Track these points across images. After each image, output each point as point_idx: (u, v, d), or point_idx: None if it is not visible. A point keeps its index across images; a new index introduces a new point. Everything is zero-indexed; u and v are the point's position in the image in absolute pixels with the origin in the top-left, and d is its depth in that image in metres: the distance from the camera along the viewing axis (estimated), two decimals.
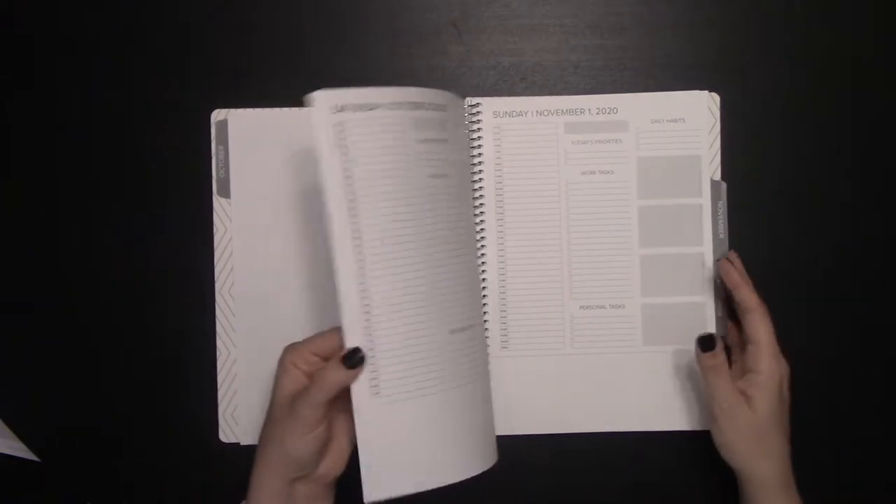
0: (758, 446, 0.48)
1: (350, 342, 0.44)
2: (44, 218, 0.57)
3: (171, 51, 0.57)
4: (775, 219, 0.56)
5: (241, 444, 0.56)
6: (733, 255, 0.52)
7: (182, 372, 0.56)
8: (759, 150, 0.56)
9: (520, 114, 0.55)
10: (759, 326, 0.49)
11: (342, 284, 0.44)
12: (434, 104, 0.48)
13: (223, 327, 0.56)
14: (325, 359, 0.45)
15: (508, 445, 0.53)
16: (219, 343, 0.56)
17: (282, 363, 0.46)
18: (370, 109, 0.45)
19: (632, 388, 0.55)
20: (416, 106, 0.46)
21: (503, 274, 0.55)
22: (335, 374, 0.43)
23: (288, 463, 0.44)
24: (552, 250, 0.55)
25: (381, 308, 0.45)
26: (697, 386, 0.55)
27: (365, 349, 0.44)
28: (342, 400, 0.45)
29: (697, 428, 0.55)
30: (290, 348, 0.46)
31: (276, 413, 0.45)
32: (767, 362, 0.49)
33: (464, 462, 0.47)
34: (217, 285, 0.56)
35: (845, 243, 0.56)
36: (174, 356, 0.56)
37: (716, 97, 0.55)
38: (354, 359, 0.44)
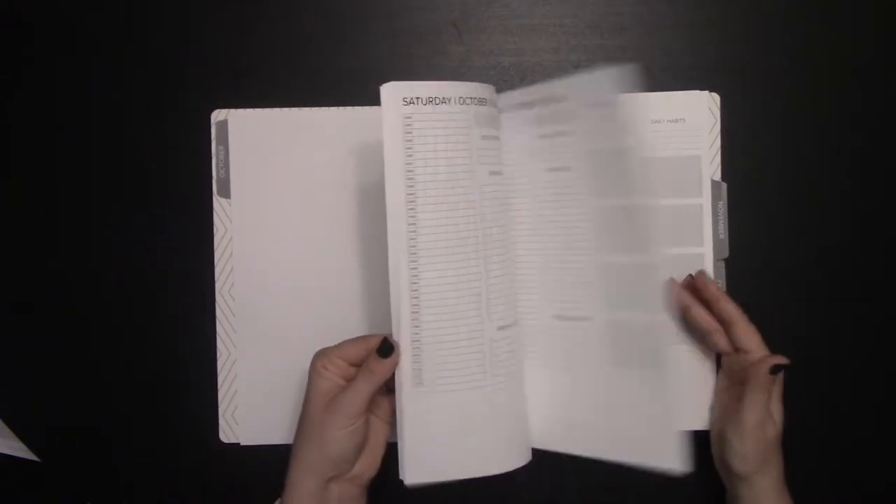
0: (771, 454, 0.49)
1: (396, 331, 0.45)
2: (44, 218, 0.57)
3: (171, 51, 0.57)
4: (775, 219, 0.56)
5: (242, 444, 0.56)
6: (702, 273, 0.53)
7: (182, 372, 0.56)
8: (759, 150, 0.56)
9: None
10: (750, 336, 0.50)
11: (393, 272, 0.45)
12: (493, 100, 0.48)
13: (223, 327, 0.56)
14: (355, 365, 0.46)
15: None
16: (219, 343, 0.56)
17: (314, 368, 0.46)
18: (440, 103, 0.45)
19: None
20: (481, 101, 0.47)
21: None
22: (380, 365, 0.45)
23: (325, 460, 0.45)
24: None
25: (429, 300, 0.45)
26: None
27: (411, 339, 0.45)
28: (377, 401, 0.47)
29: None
30: (321, 354, 0.47)
31: (312, 413, 0.46)
32: (766, 371, 0.49)
33: (501, 456, 0.47)
34: (217, 285, 0.56)
35: (845, 243, 0.56)
36: (174, 356, 0.56)
37: (716, 97, 0.55)
38: (385, 347, 0.45)
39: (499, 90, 0.56)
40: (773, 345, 0.55)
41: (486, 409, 0.47)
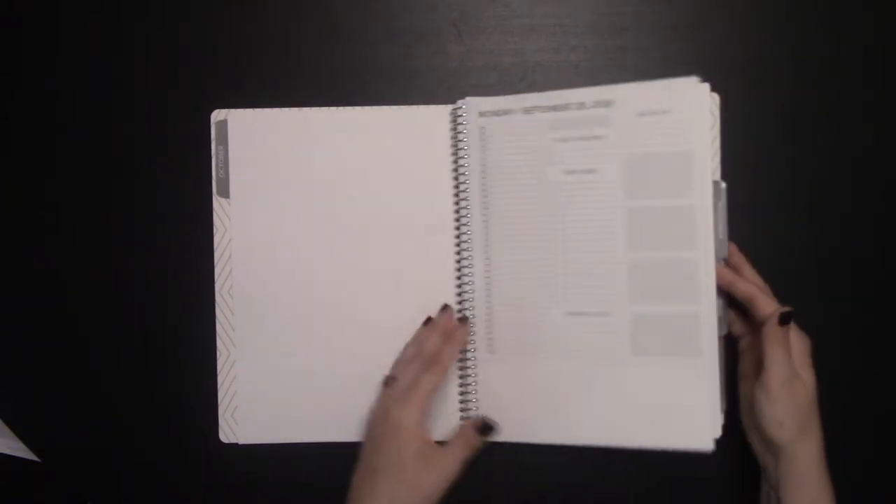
0: (809, 419, 0.48)
1: (469, 308, 0.54)
2: (43, 218, 0.57)
3: (171, 51, 0.57)
4: (775, 219, 0.56)
5: (241, 444, 0.56)
6: (733, 249, 0.53)
7: (182, 372, 0.56)
8: (759, 150, 0.56)
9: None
10: (768, 307, 0.49)
11: (475, 260, 0.54)
12: (580, 104, 0.53)
13: (223, 327, 0.56)
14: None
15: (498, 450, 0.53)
16: (219, 343, 0.56)
17: (404, 427, 0.49)
18: (504, 114, 0.54)
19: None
20: (555, 108, 0.53)
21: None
22: (480, 441, 0.51)
23: (413, 501, 0.49)
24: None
25: (500, 281, 0.54)
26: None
27: (485, 313, 0.54)
28: None
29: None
30: (404, 408, 0.50)
31: (405, 459, 0.49)
32: (793, 337, 0.49)
33: (558, 427, 0.53)
34: (217, 285, 0.56)
35: (845, 243, 0.56)
36: (174, 356, 0.56)
37: (716, 97, 0.55)
38: (487, 428, 0.52)
39: (499, 90, 0.56)
40: None
41: (551, 381, 0.53)
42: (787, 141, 0.56)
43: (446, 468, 0.49)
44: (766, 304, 0.49)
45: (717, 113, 0.55)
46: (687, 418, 0.51)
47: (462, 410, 0.54)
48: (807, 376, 0.49)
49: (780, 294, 0.53)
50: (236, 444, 0.56)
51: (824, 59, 0.56)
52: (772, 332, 0.48)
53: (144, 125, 0.57)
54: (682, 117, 0.51)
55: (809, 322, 0.56)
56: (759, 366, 0.49)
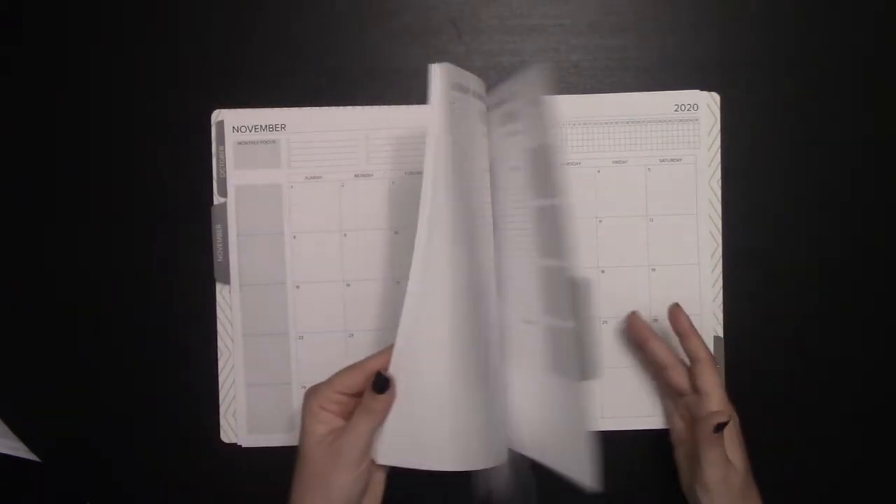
0: (746, 496, 0.47)
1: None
2: (43, 218, 0.57)
3: (171, 51, 0.57)
4: (775, 219, 0.56)
5: (242, 445, 0.56)
6: (676, 307, 0.52)
7: (182, 372, 0.56)
8: (759, 150, 0.56)
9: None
10: (711, 380, 0.49)
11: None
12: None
13: (224, 327, 0.56)
14: (354, 395, 0.44)
15: None
16: (219, 343, 0.56)
17: (308, 409, 0.44)
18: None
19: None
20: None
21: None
22: (378, 402, 0.43)
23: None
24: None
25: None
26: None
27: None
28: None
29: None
30: (314, 392, 0.44)
31: (312, 458, 0.43)
32: (710, 430, 0.47)
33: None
34: (217, 285, 0.56)
35: (846, 243, 0.56)
36: (174, 357, 0.56)
37: (716, 97, 0.55)
38: (380, 383, 0.43)
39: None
40: (773, 345, 0.56)
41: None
42: (786, 141, 0.56)
43: (350, 452, 0.42)
44: (709, 380, 0.48)
45: (717, 113, 0.55)
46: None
47: None
48: (737, 460, 0.48)
49: (780, 294, 0.53)
50: (237, 444, 0.56)
51: (824, 59, 0.56)
52: (708, 436, 0.46)
53: (144, 125, 0.56)
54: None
55: (809, 322, 0.56)
56: (693, 454, 0.48)
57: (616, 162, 0.55)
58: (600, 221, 0.55)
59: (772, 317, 0.55)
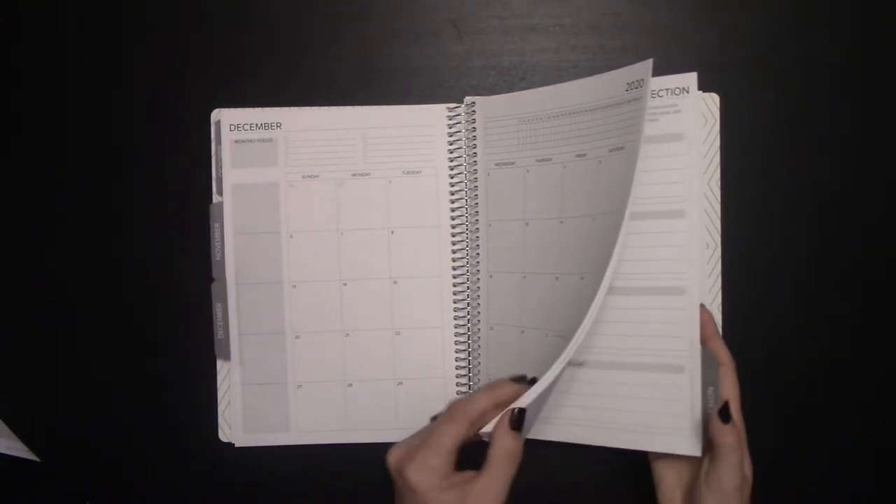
0: None
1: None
2: (43, 218, 0.57)
3: (170, 51, 0.57)
4: (775, 219, 0.56)
5: (241, 445, 0.56)
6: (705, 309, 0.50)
7: (182, 372, 0.56)
8: (759, 150, 0.56)
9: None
10: (730, 381, 0.48)
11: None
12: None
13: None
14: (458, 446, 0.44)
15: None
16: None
17: (407, 483, 0.43)
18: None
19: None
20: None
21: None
22: (511, 442, 0.44)
23: None
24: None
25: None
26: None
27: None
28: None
29: None
30: (408, 460, 0.44)
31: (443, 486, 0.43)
32: (739, 420, 0.47)
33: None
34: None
35: (845, 243, 0.56)
36: (174, 356, 0.56)
37: (716, 97, 0.55)
38: (518, 419, 0.44)
39: (498, 90, 0.56)
40: (773, 345, 0.55)
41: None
42: (786, 141, 0.56)
43: (494, 498, 0.42)
44: (731, 386, 0.48)
45: (716, 113, 0.55)
46: None
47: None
48: (749, 473, 0.47)
49: (780, 294, 0.53)
50: (236, 444, 0.56)
51: (824, 59, 0.56)
52: (735, 441, 0.45)
53: (144, 125, 0.57)
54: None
55: (809, 321, 0.56)
56: (709, 458, 0.47)
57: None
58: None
59: (771, 317, 0.55)
